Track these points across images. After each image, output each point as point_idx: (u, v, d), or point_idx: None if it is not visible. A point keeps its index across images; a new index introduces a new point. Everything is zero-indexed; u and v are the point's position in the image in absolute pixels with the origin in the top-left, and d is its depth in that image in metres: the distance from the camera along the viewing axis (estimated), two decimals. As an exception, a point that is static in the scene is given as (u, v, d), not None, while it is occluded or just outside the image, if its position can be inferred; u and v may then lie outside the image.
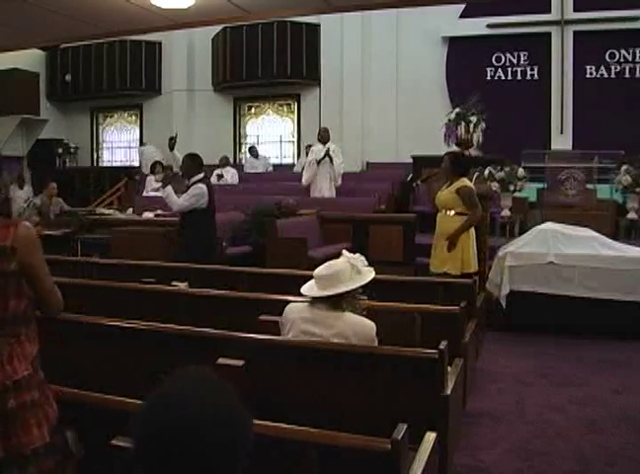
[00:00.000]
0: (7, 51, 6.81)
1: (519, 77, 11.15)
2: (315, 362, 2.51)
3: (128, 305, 3.73)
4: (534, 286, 5.34)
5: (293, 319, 2.66)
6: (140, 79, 13.17)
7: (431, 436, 1.97)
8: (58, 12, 4.89)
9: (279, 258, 6.32)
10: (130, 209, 9.39)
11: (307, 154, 9.36)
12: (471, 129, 8.98)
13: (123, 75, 13.07)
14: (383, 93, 11.61)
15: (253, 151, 12.13)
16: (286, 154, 13.14)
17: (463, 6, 10.79)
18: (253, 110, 13.32)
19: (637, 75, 10.55)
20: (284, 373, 2.54)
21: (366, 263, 2.71)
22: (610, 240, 5.62)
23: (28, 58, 12.24)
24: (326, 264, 2.65)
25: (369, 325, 2.60)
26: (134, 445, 1.02)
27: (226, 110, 13.19)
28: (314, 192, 8.79)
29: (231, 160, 11.85)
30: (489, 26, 10.94)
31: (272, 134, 13.13)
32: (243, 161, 12.79)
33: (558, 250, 5.38)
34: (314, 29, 11.96)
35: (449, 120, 9.14)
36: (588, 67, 10.75)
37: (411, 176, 9.44)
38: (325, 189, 8.76)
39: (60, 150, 13.45)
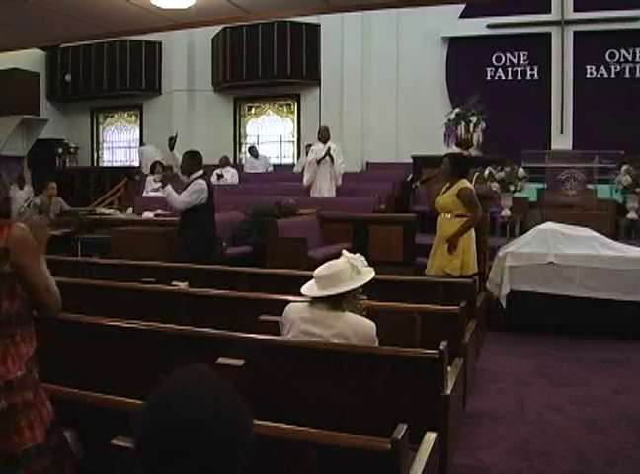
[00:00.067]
0: (7, 51, 6.81)
1: (519, 77, 11.14)
2: (315, 362, 2.52)
3: (128, 305, 3.73)
4: (534, 286, 5.34)
5: (293, 319, 2.66)
6: (140, 79, 13.16)
7: (431, 437, 1.97)
8: (58, 12, 4.90)
9: (279, 258, 6.32)
10: (130, 209, 9.39)
11: (307, 154, 9.33)
12: (471, 129, 8.99)
13: (124, 75, 13.06)
14: (383, 93, 11.60)
15: (253, 151, 12.12)
16: (286, 154, 13.14)
17: (463, 6, 10.78)
18: (253, 110, 13.31)
19: (637, 75, 10.54)
20: (284, 373, 2.54)
21: (366, 263, 2.71)
22: (610, 240, 5.61)
23: (28, 58, 12.23)
24: (326, 264, 2.65)
25: (369, 325, 2.60)
26: (135, 445, 1.02)
27: (226, 110, 13.18)
28: (314, 191, 8.75)
29: (231, 160, 11.84)
30: (489, 26, 10.94)
31: (272, 134, 13.12)
32: (243, 161, 12.78)
33: (558, 250, 5.38)
34: (314, 29, 11.96)
35: (449, 120, 9.15)
36: (588, 67, 10.74)
37: (411, 176, 9.44)
38: (325, 188, 8.72)
39: (60, 150, 13.44)
